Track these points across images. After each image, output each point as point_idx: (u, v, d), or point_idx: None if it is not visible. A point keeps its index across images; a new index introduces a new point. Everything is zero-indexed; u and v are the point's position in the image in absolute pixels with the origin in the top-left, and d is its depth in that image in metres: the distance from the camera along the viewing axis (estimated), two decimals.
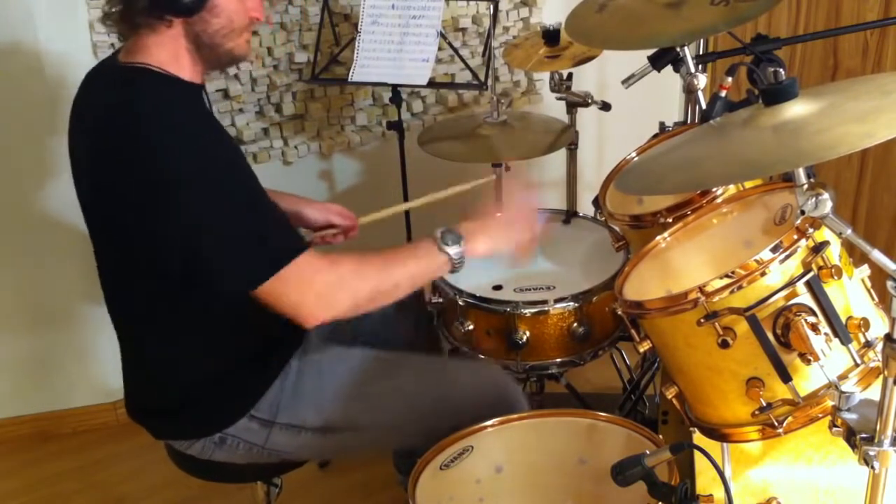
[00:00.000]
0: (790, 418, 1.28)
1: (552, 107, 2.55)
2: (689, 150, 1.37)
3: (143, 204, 1.48)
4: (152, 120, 1.49)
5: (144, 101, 1.51)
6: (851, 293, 1.29)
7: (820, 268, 1.24)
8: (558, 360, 2.01)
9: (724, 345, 1.26)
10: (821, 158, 1.09)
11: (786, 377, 1.25)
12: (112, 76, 1.57)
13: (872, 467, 1.14)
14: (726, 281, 1.26)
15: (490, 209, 1.74)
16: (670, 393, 1.43)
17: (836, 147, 1.09)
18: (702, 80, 1.80)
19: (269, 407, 1.71)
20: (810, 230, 1.24)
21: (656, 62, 1.86)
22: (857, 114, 1.16)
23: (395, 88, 2.31)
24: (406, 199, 2.42)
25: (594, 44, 2.05)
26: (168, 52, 1.54)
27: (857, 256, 1.30)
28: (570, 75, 2.28)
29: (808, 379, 1.27)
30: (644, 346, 1.42)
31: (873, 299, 1.35)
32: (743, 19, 1.73)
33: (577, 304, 1.95)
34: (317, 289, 1.51)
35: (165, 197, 1.46)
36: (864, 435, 1.14)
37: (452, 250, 1.61)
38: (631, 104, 2.31)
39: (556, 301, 1.95)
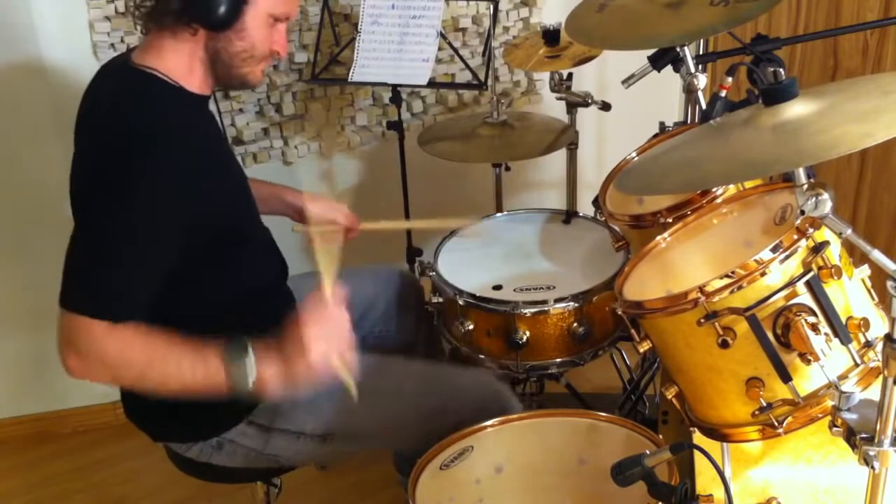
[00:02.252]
0: (790, 418, 1.28)
1: (552, 107, 2.55)
2: (689, 150, 1.37)
3: (88, 194, 1.50)
4: (137, 129, 1.49)
5: (143, 105, 1.52)
6: (851, 293, 1.29)
7: (820, 268, 1.24)
8: (558, 360, 2.01)
9: (724, 345, 1.26)
10: (820, 158, 1.09)
11: (786, 377, 1.25)
12: (122, 78, 1.57)
13: (872, 467, 1.13)
14: (726, 281, 1.25)
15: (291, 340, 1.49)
16: (670, 393, 1.43)
17: (836, 147, 1.09)
18: (702, 80, 1.79)
19: (267, 413, 1.70)
20: (810, 230, 1.24)
21: (656, 62, 1.85)
22: (856, 114, 1.16)
23: (395, 88, 2.31)
24: (406, 198, 2.42)
25: (594, 43, 2.04)
26: (181, 61, 1.55)
27: (857, 256, 1.30)
28: (570, 75, 2.28)
29: (808, 379, 1.27)
30: (644, 346, 1.42)
31: (873, 299, 1.35)
32: (743, 20, 1.73)
33: (577, 304, 1.95)
34: (85, 354, 1.45)
35: (99, 190, 1.47)
36: (864, 435, 1.14)
37: (238, 379, 1.46)
38: (631, 104, 2.31)
39: (556, 301, 1.95)
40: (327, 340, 1.48)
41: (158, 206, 1.47)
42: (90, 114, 1.60)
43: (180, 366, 1.46)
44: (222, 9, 1.49)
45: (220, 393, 1.47)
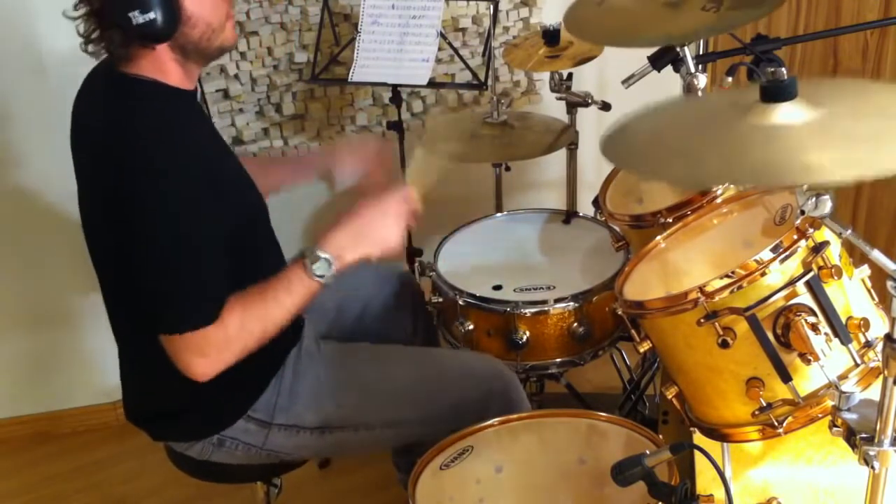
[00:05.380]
0: (790, 418, 1.28)
1: (552, 107, 2.55)
2: (680, 135, 1.32)
3: (114, 217, 1.50)
4: (136, 133, 1.50)
5: (140, 116, 1.52)
6: (851, 293, 1.29)
7: (820, 268, 1.24)
8: (558, 360, 2.01)
9: (724, 345, 1.26)
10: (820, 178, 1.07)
11: (786, 377, 1.25)
12: (111, 86, 1.57)
13: (872, 467, 1.14)
14: (726, 281, 1.26)
15: (358, 215, 1.62)
16: (670, 393, 1.43)
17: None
18: (702, 80, 1.79)
19: (266, 407, 1.71)
20: (810, 230, 1.24)
21: (656, 62, 1.85)
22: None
23: (395, 88, 2.31)
24: None
25: (593, 39, 2.03)
26: (156, 64, 1.55)
27: (857, 256, 1.30)
28: (570, 75, 2.28)
29: (808, 379, 1.27)
30: (644, 346, 1.42)
31: (873, 299, 1.35)
32: (730, 27, 1.72)
33: (577, 304, 1.95)
34: (209, 354, 1.52)
35: (129, 214, 1.48)
36: (864, 435, 1.14)
37: (324, 275, 1.56)
38: (631, 104, 2.29)
39: (556, 301, 1.95)
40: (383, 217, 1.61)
41: (186, 202, 1.49)
42: (85, 128, 1.61)
43: (280, 302, 1.56)
44: (159, 21, 1.46)
45: (318, 292, 1.58)
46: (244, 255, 1.63)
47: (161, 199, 1.47)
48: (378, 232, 1.60)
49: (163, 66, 1.55)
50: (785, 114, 1.16)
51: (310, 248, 1.57)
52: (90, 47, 1.54)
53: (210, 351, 1.51)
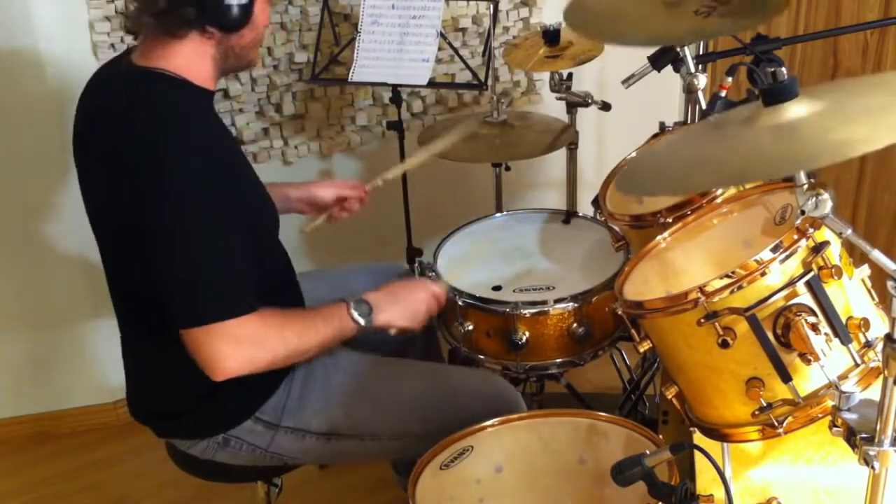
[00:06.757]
0: (790, 418, 1.28)
1: (552, 107, 2.55)
2: (690, 150, 1.36)
3: (134, 211, 1.49)
4: (162, 128, 1.49)
5: (159, 107, 1.52)
6: (851, 293, 1.29)
7: (820, 268, 1.24)
8: (558, 360, 2.01)
9: (724, 345, 1.26)
10: (826, 162, 1.07)
11: (786, 377, 1.25)
12: (127, 80, 1.56)
13: (872, 467, 1.13)
14: (726, 281, 1.25)
15: (398, 285, 1.77)
16: (670, 393, 1.43)
17: (843, 150, 1.07)
18: (702, 80, 1.80)
19: (274, 410, 1.71)
20: (810, 230, 1.24)
21: (656, 62, 1.85)
22: (863, 113, 1.15)
23: (395, 88, 2.31)
24: (406, 198, 2.42)
25: (593, 34, 2.02)
26: (188, 59, 1.54)
27: (857, 256, 1.30)
28: (570, 75, 2.28)
29: (808, 379, 1.27)
30: (644, 346, 1.42)
31: (873, 299, 1.35)
32: (719, 33, 1.73)
33: (576, 305, 1.95)
34: (241, 349, 1.52)
35: (150, 208, 1.48)
36: (864, 435, 1.14)
37: (362, 321, 1.65)
38: (631, 104, 2.31)
39: (556, 301, 1.95)
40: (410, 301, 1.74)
41: (217, 199, 1.50)
42: (97, 121, 1.59)
43: (316, 328, 1.61)
44: (238, 11, 1.51)
45: (348, 335, 1.66)
46: (259, 260, 1.63)
47: (194, 195, 1.47)
48: (411, 306, 1.73)
49: (198, 60, 1.55)
50: (794, 111, 1.17)
51: (352, 295, 1.67)
52: (145, 17, 1.53)
53: (245, 341, 1.51)
